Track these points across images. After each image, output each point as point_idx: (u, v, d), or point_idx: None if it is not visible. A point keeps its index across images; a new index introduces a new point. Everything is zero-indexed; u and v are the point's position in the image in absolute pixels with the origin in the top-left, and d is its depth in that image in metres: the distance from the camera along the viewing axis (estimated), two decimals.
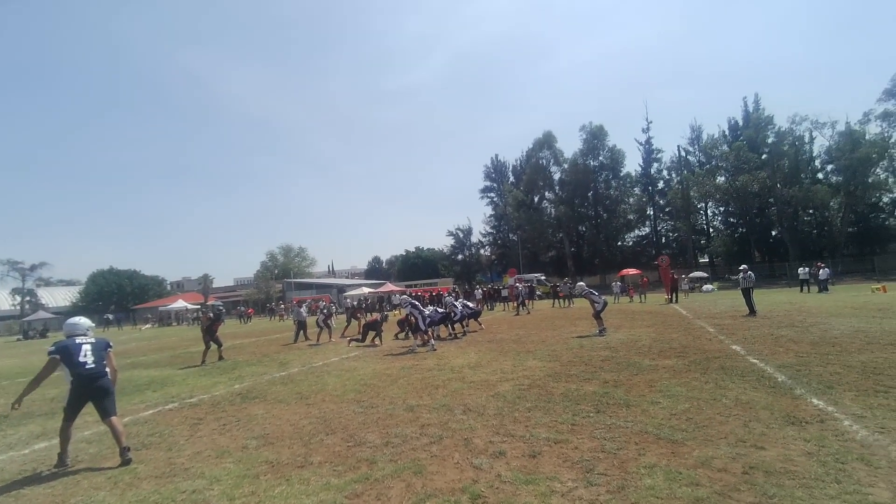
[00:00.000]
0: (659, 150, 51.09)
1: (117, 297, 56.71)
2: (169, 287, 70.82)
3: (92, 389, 4.47)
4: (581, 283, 14.59)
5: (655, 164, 51.31)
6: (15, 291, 57.97)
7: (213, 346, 11.60)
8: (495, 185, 60.61)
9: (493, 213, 60.48)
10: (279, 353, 12.26)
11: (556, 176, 52.71)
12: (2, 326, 47.34)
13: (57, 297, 63.05)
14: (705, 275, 36.68)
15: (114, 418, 4.52)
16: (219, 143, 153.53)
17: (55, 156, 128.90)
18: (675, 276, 24.07)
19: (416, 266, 64.54)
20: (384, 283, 48.18)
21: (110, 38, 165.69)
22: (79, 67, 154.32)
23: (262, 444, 4.65)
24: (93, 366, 4.48)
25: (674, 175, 49.35)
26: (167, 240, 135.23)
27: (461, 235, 61.73)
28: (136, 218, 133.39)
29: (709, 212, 50.09)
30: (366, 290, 40.05)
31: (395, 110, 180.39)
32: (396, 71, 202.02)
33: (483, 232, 61.76)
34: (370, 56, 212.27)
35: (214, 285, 69.13)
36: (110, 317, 42.28)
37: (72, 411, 4.45)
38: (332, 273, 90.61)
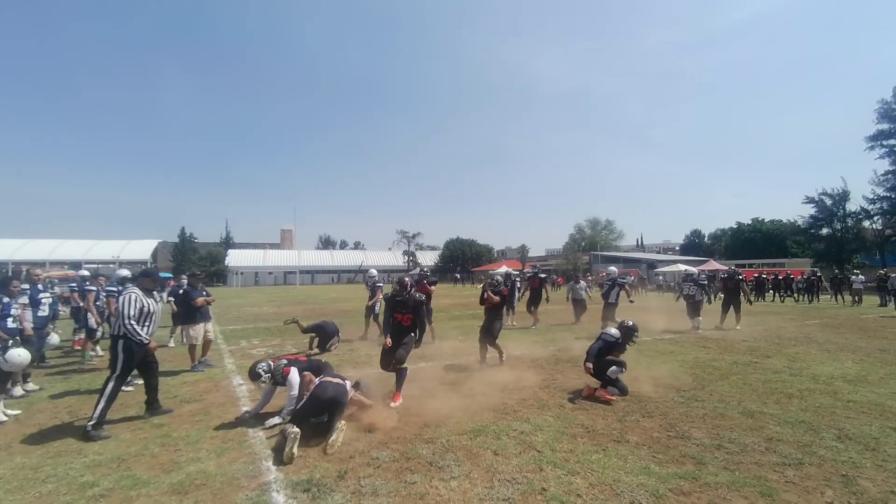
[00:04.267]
0: None
1: (461, 260, 72.01)
2: (495, 255, 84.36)
3: None
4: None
5: None
6: (404, 253, 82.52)
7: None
8: None
9: (892, 168, 41.72)
10: (588, 322, 12.35)
11: None
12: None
13: (426, 258, 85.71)
14: None
15: None
16: (533, 124, 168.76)
17: (425, 151, 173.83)
18: None
19: (751, 242, 52.70)
20: (707, 261, 41.61)
21: (454, 47, 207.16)
22: (436, 73, 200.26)
23: (577, 407, 4.87)
24: None
25: None
26: (494, 213, 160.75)
27: (828, 202, 45.60)
28: (475, 194, 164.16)
29: None
30: (682, 266, 35.72)
31: (723, 53, 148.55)
32: (731, 3, 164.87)
33: (870, 196, 43.53)
34: None
35: (529, 255, 77.68)
36: (458, 276, 54.26)
37: None
38: (640, 247, 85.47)
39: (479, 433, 4.07)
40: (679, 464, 3.41)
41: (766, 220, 55.56)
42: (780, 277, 23.01)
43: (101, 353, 8.23)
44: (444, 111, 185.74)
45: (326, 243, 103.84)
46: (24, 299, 5.74)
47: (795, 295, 22.25)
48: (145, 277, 4.85)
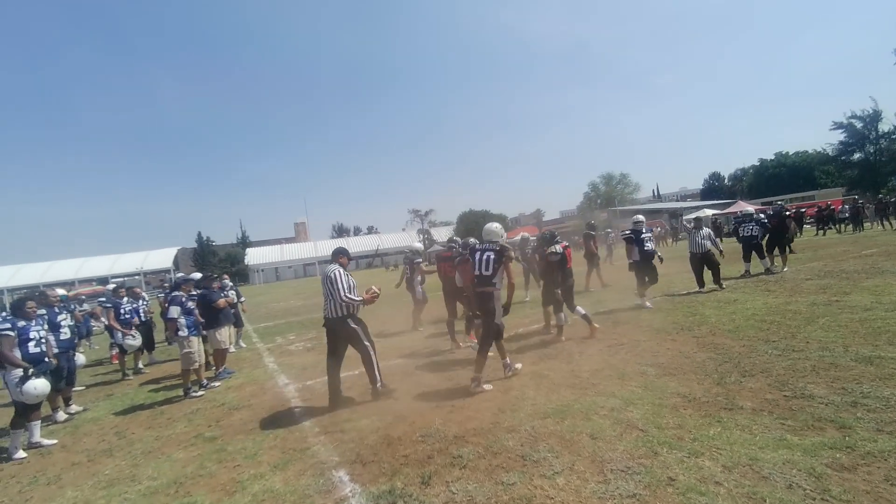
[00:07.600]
0: None
1: (477, 232, 71.35)
2: (510, 223, 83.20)
3: None
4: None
5: None
6: (419, 231, 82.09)
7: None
8: None
9: None
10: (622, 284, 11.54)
11: None
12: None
13: (441, 235, 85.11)
14: None
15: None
16: (537, 86, 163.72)
17: (430, 128, 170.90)
18: None
19: (776, 178, 50.66)
20: (734, 202, 40.07)
21: (448, 18, 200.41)
22: (433, 48, 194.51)
23: (662, 372, 4.36)
24: None
25: None
26: (505, 181, 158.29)
27: (859, 126, 43.15)
28: (484, 165, 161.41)
29: None
30: (708, 211, 34.46)
31: None
32: None
33: None
34: None
35: (544, 218, 76.37)
36: None
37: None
38: (657, 197, 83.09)
39: (565, 415, 3.61)
40: (818, 430, 2.89)
41: (790, 153, 53.20)
42: (823, 209, 21.70)
43: (143, 369, 8.00)
44: (445, 85, 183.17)
45: (340, 231, 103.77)
46: (44, 325, 5.33)
47: (838, 226, 21.10)
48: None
